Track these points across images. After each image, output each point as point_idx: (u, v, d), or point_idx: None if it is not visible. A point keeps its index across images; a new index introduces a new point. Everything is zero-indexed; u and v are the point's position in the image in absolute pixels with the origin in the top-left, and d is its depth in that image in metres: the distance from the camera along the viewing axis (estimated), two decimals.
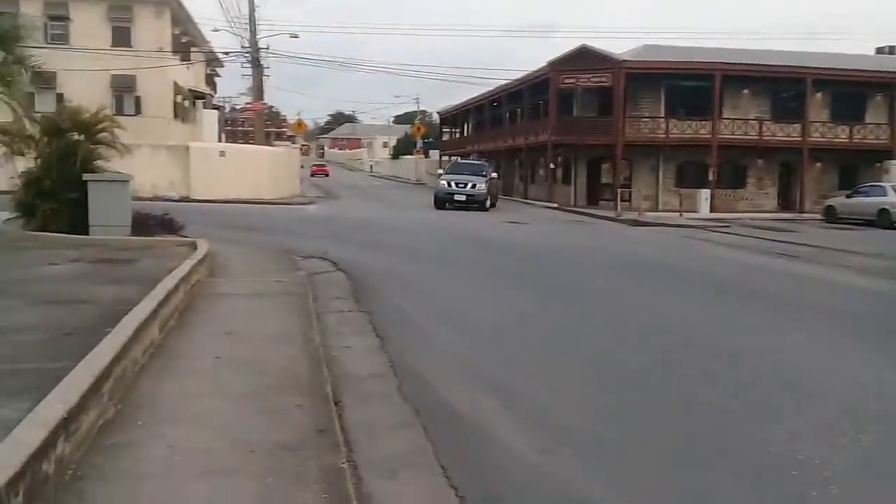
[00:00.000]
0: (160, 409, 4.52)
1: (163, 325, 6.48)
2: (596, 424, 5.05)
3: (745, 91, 35.54)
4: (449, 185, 28.73)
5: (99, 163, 12.74)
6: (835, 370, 6.71)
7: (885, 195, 27.30)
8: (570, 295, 10.39)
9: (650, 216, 28.44)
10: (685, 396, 5.75)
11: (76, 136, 12.50)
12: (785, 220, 30.23)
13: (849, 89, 35.90)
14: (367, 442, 4.55)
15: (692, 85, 34.11)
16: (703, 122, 33.85)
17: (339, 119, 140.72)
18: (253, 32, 34.42)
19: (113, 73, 32.54)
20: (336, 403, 5.01)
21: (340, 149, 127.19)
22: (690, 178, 34.46)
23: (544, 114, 37.64)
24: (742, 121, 34.76)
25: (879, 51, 43.78)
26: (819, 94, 35.83)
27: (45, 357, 4.91)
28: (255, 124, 42.25)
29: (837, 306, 10.45)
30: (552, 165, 36.49)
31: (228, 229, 16.12)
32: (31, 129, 13.09)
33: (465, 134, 56.02)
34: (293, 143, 47.92)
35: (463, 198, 28.04)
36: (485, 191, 28.47)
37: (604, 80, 33.51)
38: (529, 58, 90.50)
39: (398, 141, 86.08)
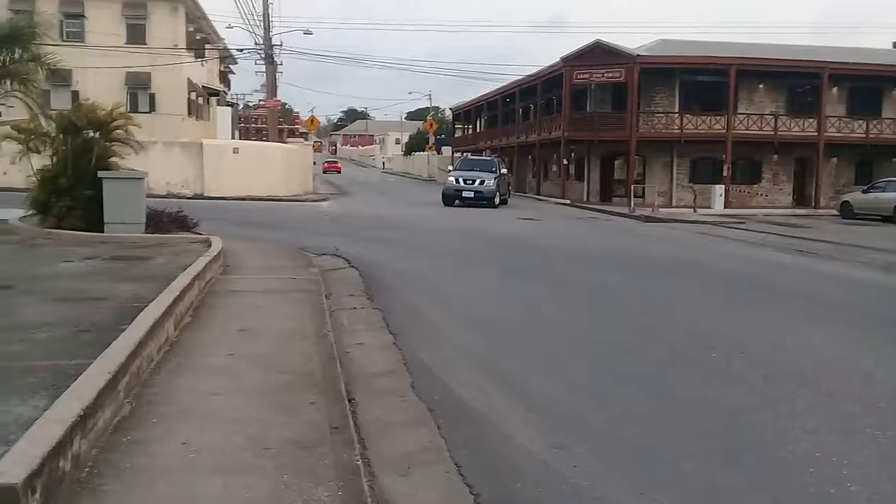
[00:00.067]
0: (175, 406, 4.54)
1: (177, 321, 6.50)
2: (611, 422, 5.03)
3: (761, 86, 35.29)
4: (457, 181, 28.55)
5: (114, 160, 12.81)
6: (853, 367, 6.66)
7: None
8: (584, 292, 10.36)
9: (664, 212, 28.31)
10: (701, 393, 5.71)
11: (91, 134, 12.57)
12: (800, 216, 30.03)
13: (865, 84, 35.57)
14: (381, 439, 4.55)
15: (707, 80, 33.93)
16: (718, 118, 33.62)
17: (352, 115, 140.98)
18: (267, 29, 34.52)
19: (128, 70, 32.75)
20: (350, 400, 5.02)
21: (353, 145, 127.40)
22: (705, 173, 34.26)
23: (557, 110, 37.51)
24: (757, 116, 34.51)
25: None
26: (835, 89, 35.52)
27: (61, 354, 4.94)
28: (268, 121, 42.34)
29: (855, 303, 10.37)
30: (565, 162, 36.36)
31: (242, 226, 16.17)
32: (47, 126, 13.17)
33: (478, 130, 55.94)
34: (306, 139, 48.02)
35: (471, 194, 27.90)
36: (493, 187, 28.26)
37: (617, 75, 33.33)
38: (543, 53, 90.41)
39: (411, 137, 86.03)
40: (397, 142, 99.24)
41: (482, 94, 51.20)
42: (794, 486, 4.08)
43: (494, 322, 8.11)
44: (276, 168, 29.43)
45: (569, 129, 34.93)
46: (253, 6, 39.95)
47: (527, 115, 44.31)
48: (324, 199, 30.14)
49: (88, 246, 10.86)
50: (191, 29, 36.61)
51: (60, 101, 24.98)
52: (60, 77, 27.55)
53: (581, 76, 34.43)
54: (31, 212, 12.77)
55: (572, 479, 4.05)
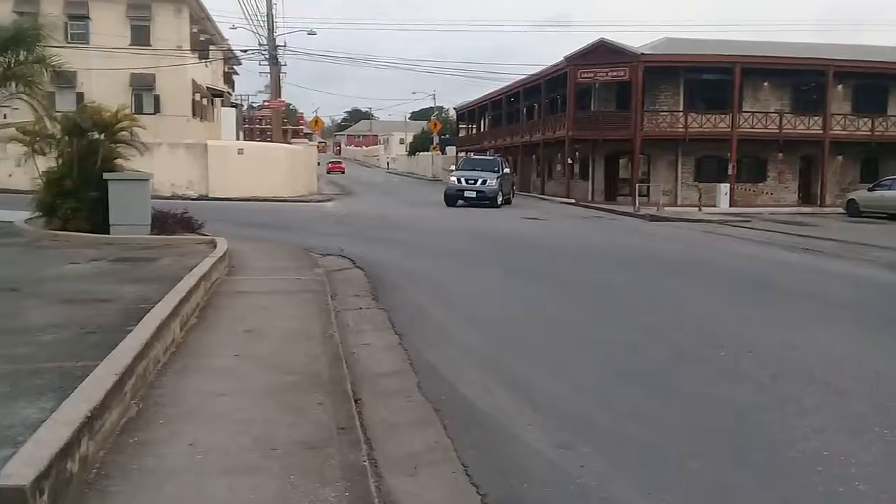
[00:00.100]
0: (182, 407, 4.54)
1: (183, 322, 6.51)
2: (617, 421, 5.02)
3: (766, 84, 35.19)
4: (459, 181, 28.40)
5: (119, 162, 12.84)
6: (861, 365, 6.64)
7: None
8: (589, 291, 10.35)
9: (669, 211, 28.27)
10: (708, 392, 5.70)
11: (97, 136, 12.60)
12: (806, 215, 29.94)
13: (870, 81, 35.42)
14: (388, 439, 4.55)
15: (711, 78, 33.83)
16: (723, 116, 33.52)
17: (356, 116, 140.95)
18: (270, 30, 34.54)
19: (132, 71, 32.81)
20: (356, 401, 5.01)
21: (357, 145, 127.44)
22: (710, 172, 34.15)
23: (561, 109, 37.48)
24: (762, 114, 34.39)
25: None
26: (840, 87, 35.41)
27: (68, 356, 4.95)
28: (272, 122, 42.40)
29: (862, 301, 10.34)
30: (569, 161, 36.32)
31: (247, 227, 16.19)
32: (52, 128, 13.20)
33: (482, 130, 55.93)
34: (310, 140, 48.07)
35: (473, 194, 27.76)
36: (495, 187, 28.10)
37: (622, 74, 33.25)
38: (547, 53, 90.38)
39: (415, 137, 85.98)
40: (401, 142, 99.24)
41: (486, 93, 51.17)
42: (802, 485, 4.07)
43: (499, 322, 8.10)
44: (280, 169, 29.45)
45: (573, 129, 34.89)
46: (257, 7, 40.13)
47: (531, 114, 44.27)
48: (328, 200, 30.16)
49: (94, 247, 10.89)
50: (195, 30, 36.68)
51: (65, 103, 25.05)
52: (65, 79, 27.63)
53: (585, 75, 34.37)
54: (36, 213, 12.80)
55: (579, 479, 4.04)
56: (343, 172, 67.63)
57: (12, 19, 23.27)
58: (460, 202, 27.73)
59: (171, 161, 26.34)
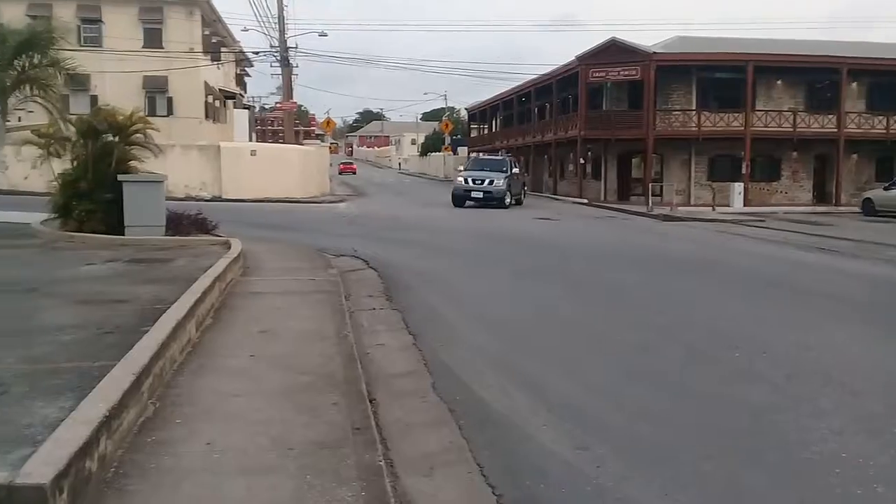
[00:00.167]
0: (198, 407, 4.57)
1: (199, 323, 6.55)
2: (632, 421, 5.00)
3: (779, 82, 34.98)
4: (466, 181, 28.10)
5: (133, 164, 12.91)
6: (877, 365, 6.59)
7: None
8: (602, 291, 10.32)
9: (682, 211, 28.16)
10: (722, 393, 5.67)
11: (111, 138, 12.68)
12: (821, 214, 29.77)
13: (885, 79, 35.10)
14: (403, 439, 4.55)
15: (724, 77, 33.68)
16: (736, 115, 33.34)
17: (368, 117, 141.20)
18: (282, 31, 34.66)
19: (145, 74, 33.00)
20: (371, 401, 5.02)
21: (369, 146, 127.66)
22: (723, 171, 33.98)
23: (573, 108, 37.40)
24: (776, 112, 34.19)
25: None
26: (855, 84, 35.16)
27: (85, 356, 4.98)
28: (284, 123, 42.53)
29: (878, 301, 10.27)
30: (582, 161, 36.24)
31: (260, 228, 16.25)
32: (67, 131, 13.29)
33: (494, 130, 55.90)
34: (322, 141, 48.16)
35: (480, 194, 27.43)
36: (503, 187, 27.74)
37: (634, 73, 33.15)
38: (559, 52, 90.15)
39: (426, 138, 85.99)
40: (413, 142, 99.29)
41: (497, 93, 51.15)
42: (819, 487, 4.05)
43: (513, 322, 8.10)
44: (293, 170, 29.53)
45: (585, 128, 34.80)
46: (268, 9, 40.36)
47: (542, 114, 44.20)
48: (341, 201, 30.22)
49: (109, 249, 10.96)
50: (207, 32, 36.85)
51: (79, 106, 25.25)
52: (79, 82, 27.85)
53: (597, 74, 34.29)
54: (52, 215, 12.90)
55: (596, 480, 4.04)
56: (354, 173, 67.69)
57: (26, 23, 23.57)
58: (469, 203, 27.46)
59: (184, 163, 26.46)
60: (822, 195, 35.63)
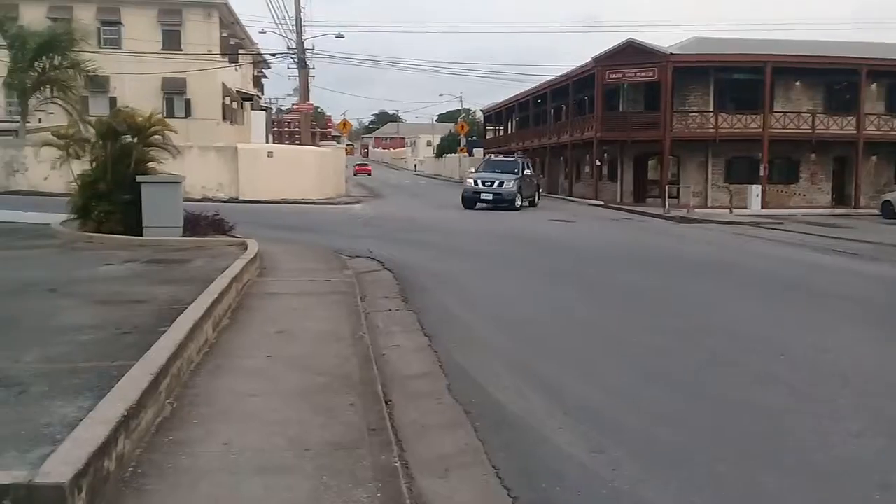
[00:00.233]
0: (216, 407, 4.59)
1: (216, 323, 6.58)
2: (649, 425, 4.98)
3: (798, 83, 34.71)
4: (476, 183, 27.62)
5: (151, 165, 13.00)
6: None
7: None
8: (618, 293, 10.28)
9: (699, 213, 27.97)
10: (739, 396, 5.63)
11: (130, 139, 12.77)
12: (840, 216, 29.49)
13: None
14: (419, 441, 4.56)
15: (742, 78, 33.46)
16: (754, 116, 33.11)
17: (384, 118, 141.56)
18: (299, 33, 34.82)
19: (164, 76, 33.28)
20: (387, 402, 5.03)
21: (384, 148, 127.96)
22: (740, 173, 33.75)
23: (589, 110, 37.28)
24: (794, 114, 33.93)
25: None
26: (874, 86, 34.82)
27: (104, 356, 5.02)
28: (301, 125, 42.72)
29: None
30: (598, 162, 36.12)
31: (277, 229, 16.31)
32: (86, 132, 13.38)
33: (510, 131, 55.86)
34: (338, 142, 48.32)
35: (490, 196, 26.82)
36: (513, 189, 27.07)
37: (650, 74, 33.00)
38: (575, 53, 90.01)
39: (442, 139, 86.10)
40: (429, 144, 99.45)
41: (513, 95, 51.08)
42: (837, 491, 4.01)
43: (528, 324, 8.08)
44: (309, 171, 29.63)
45: (601, 130, 34.69)
46: (286, 11, 40.34)
47: (558, 115, 44.11)
48: (357, 202, 30.28)
49: (128, 249, 11.04)
50: (225, 34, 37.10)
51: (98, 108, 25.45)
52: (98, 84, 28.13)
53: (613, 76, 34.16)
54: (71, 216, 13.00)
55: (612, 483, 4.02)
56: (369, 174, 67.83)
57: (46, 25, 23.84)
58: (479, 205, 26.88)
59: (201, 164, 26.61)
60: (840, 197, 35.32)
